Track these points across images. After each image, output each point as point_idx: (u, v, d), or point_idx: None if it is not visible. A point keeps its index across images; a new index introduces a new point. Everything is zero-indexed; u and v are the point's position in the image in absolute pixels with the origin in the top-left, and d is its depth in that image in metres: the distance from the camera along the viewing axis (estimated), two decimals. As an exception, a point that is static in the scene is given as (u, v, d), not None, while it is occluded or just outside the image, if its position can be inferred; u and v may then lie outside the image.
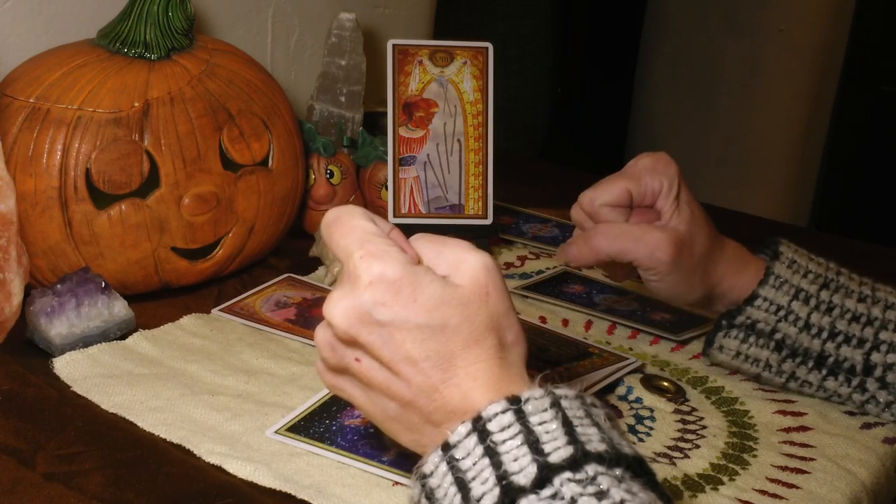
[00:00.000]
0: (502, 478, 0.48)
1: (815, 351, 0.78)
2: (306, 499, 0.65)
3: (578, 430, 0.49)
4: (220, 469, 0.68)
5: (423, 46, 1.04)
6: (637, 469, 0.49)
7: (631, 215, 0.80)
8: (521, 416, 0.50)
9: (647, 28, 2.70)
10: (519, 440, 0.49)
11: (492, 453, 0.49)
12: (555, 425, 0.49)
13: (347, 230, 0.56)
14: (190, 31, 0.96)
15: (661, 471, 0.71)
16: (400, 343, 0.53)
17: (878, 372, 0.77)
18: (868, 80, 2.59)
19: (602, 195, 0.79)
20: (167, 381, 0.78)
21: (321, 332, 0.57)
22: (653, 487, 0.49)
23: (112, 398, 0.75)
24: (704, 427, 0.78)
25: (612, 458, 0.48)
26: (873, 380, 0.77)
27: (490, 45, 1.04)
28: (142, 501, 0.64)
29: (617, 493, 0.46)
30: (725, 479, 0.72)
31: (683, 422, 0.79)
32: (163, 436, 0.71)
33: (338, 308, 0.54)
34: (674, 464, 0.73)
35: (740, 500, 0.69)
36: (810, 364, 0.78)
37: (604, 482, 0.47)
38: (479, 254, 0.56)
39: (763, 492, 0.70)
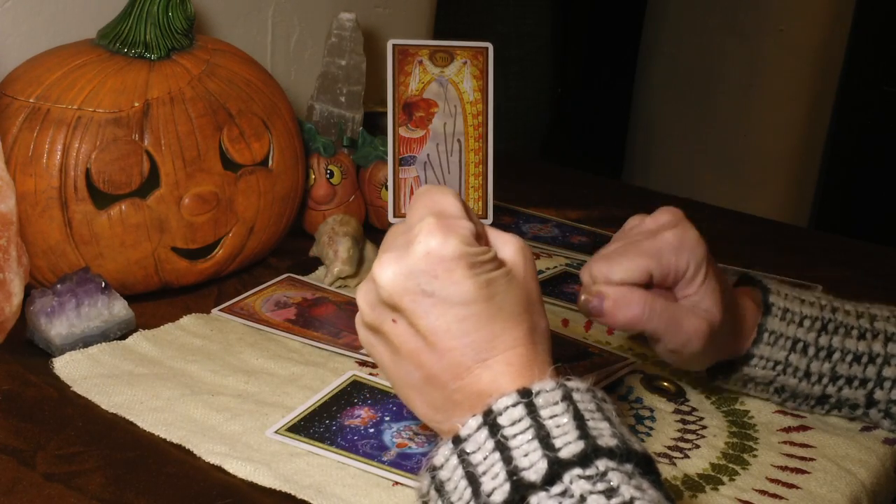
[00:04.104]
0: (513, 473, 0.47)
1: (817, 395, 0.77)
2: (306, 499, 0.65)
3: (590, 423, 0.49)
4: (220, 469, 0.68)
5: (423, 46, 1.04)
6: (645, 467, 0.49)
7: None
8: (531, 410, 0.49)
9: (647, 28, 2.70)
10: (529, 434, 0.48)
11: (502, 448, 0.48)
12: (566, 419, 0.49)
13: (431, 202, 0.55)
14: (190, 31, 0.96)
15: (662, 471, 0.71)
16: (440, 315, 0.52)
17: (882, 406, 0.76)
18: (868, 80, 2.59)
19: (619, 272, 0.68)
20: (167, 381, 0.78)
21: (364, 289, 0.56)
22: (658, 487, 0.49)
23: (112, 398, 0.75)
24: (704, 427, 0.78)
25: (622, 454, 0.48)
26: (876, 411, 0.76)
27: (490, 45, 1.04)
28: (142, 501, 0.64)
29: (626, 491, 0.46)
30: (725, 479, 0.72)
31: (683, 422, 0.79)
32: (163, 436, 0.71)
33: (388, 270, 0.53)
34: (674, 464, 0.73)
35: (740, 500, 0.69)
36: (812, 403, 0.78)
37: (614, 478, 0.46)
38: (516, 237, 0.56)
39: (763, 492, 0.70)
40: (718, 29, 2.50)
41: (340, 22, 1.16)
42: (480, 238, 0.55)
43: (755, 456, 0.75)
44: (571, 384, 0.51)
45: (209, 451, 0.69)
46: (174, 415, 0.74)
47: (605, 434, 0.48)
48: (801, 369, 0.75)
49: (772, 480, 0.72)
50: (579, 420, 0.49)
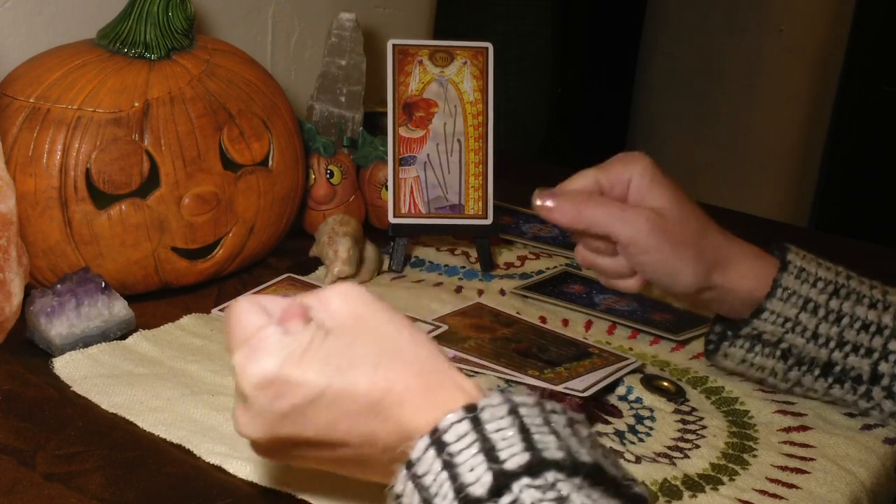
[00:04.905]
0: (459, 490, 0.47)
1: (822, 360, 0.77)
2: (306, 499, 0.65)
3: (536, 437, 0.48)
4: (220, 469, 0.68)
5: (423, 46, 1.04)
6: (598, 477, 0.48)
7: None
8: (476, 424, 0.48)
9: (647, 28, 2.70)
10: (475, 449, 0.48)
11: (449, 466, 0.48)
12: (511, 432, 0.48)
13: (231, 331, 0.55)
14: (190, 31, 0.96)
15: (662, 471, 0.71)
16: (314, 417, 0.52)
17: (886, 381, 0.76)
18: (868, 80, 2.59)
19: (570, 183, 0.77)
20: (167, 381, 0.78)
21: (254, 449, 0.57)
22: (615, 492, 0.48)
23: (112, 398, 0.75)
24: (704, 427, 0.78)
25: (570, 467, 0.47)
26: (880, 389, 0.77)
27: (490, 45, 1.04)
28: (142, 501, 0.64)
29: (577, 499, 0.45)
30: (725, 479, 0.72)
31: (683, 422, 0.79)
32: (163, 436, 0.71)
33: (246, 424, 0.54)
34: (674, 464, 0.73)
35: (740, 500, 0.69)
36: (816, 372, 0.78)
37: (564, 488, 0.46)
38: (337, 286, 0.55)
39: (763, 492, 0.70)
40: (718, 29, 2.50)
41: (340, 22, 1.16)
42: (293, 319, 0.54)
43: (755, 456, 0.75)
44: (518, 399, 0.50)
45: (209, 451, 0.69)
46: (174, 415, 0.74)
47: (551, 447, 0.48)
48: (810, 329, 0.76)
49: (772, 480, 0.72)
50: (525, 433, 0.48)
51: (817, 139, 2.59)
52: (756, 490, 0.70)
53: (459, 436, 0.48)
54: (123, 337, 0.84)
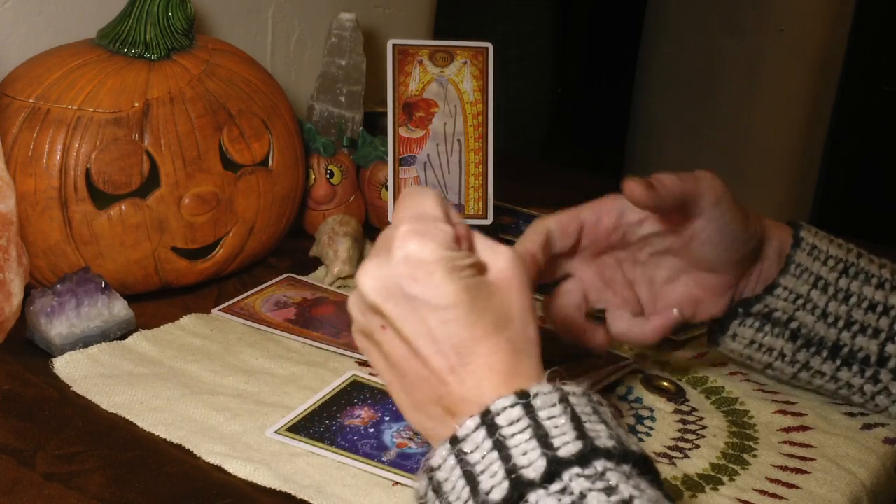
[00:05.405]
0: (511, 471, 0.48)
1: (831, 340, 0.77)
2: (306, 499, 0.65)
3: (587, 425, 0.49)
4: (220, 469, 0.68)
5: (423, 46, 1.04)
6: (643, 467, 0.49)
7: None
8: (530, 411, 0.50)
9: (647, 28, 2.70)
10: (528, 434, 0.49)
11: (501, 447, 0.49)
12: (563, 420, 0.49)
13: (412, 205, 0.56)
14: (190, 31, 0.96)
15: (661, 471, 0.71)
16: (423, 319, 0.53)
17: (893, 363, 0.76)
18: (868, 80, 2.59)
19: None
20: (167, 381, 0.78)
21: (353, 297, 0.57)
22: (658, 486, 0.49)
23: (112, 398, 0.75)
24: (704, 427, 0.78)
25: (620, 455, 0.48)
26: (887, 371, 0.77)
27: (490, 45, 1.04)
28: (142, 501, 0.64)
29: (626, 490, 0.46)
30: (725, 479, 0.72)
31: (683, 422, 0.79)
32: (163, 436, 0.71)
33: (368, 276, 0.54)
34: (674, 464, 0.73)
35: (740, 500, 0.69)
36: (825, 354, 0.78)
37: (612, 478, 0.47)
38: (509, 248, 0.57)
39: (763, 492, 0.70)
40: (718, 29, 2.50)
41: (340, 22, 1.17)
42: (461, 242, 0.55)
43: (755, 456, 0.75)
44: (568, 388, 0.51)
45: (209, 451, 0.69)
46: (174, 415, 0.74)
47: (602, 435, 0.49)
48: (820, 307, 0.76)
49: (772, 480, 0.72)
50: (577, 421, 0.49)
51: (817, 139, 2.59)
52: (756, 490, 0.70)
53: (512, 420, 0.50)
54: (123, 337, 0.84)
